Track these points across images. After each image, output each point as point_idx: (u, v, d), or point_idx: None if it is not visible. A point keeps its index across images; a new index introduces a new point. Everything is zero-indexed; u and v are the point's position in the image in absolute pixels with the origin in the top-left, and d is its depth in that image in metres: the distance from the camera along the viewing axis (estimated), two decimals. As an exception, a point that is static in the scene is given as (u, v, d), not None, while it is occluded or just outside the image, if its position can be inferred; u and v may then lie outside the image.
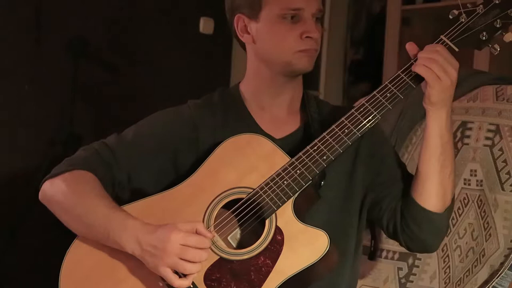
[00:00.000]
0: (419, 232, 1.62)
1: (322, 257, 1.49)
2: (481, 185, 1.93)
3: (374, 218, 1.71)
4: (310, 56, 1.65)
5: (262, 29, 1.65)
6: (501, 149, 1.92)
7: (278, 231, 1.52)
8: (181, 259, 1.44)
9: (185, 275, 1.46)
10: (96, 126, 3.33)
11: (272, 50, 1.65)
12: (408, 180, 1.66)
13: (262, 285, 1.49)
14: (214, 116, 1.71)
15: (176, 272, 1.46)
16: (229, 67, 3.92)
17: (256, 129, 1.68)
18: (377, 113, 1.54)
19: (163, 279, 1.48)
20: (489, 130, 1.96)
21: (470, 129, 2.00)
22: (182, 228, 1.45)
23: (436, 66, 1.50)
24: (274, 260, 1.50)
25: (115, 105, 3.42)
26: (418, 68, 1.52)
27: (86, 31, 3.30)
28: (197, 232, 1.46)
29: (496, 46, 1.55)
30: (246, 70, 1.75)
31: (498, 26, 1.53)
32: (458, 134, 2.01)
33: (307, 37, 1.62)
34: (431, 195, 1.59)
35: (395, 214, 1.64)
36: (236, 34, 1.71)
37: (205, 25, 3.78)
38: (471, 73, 2.18)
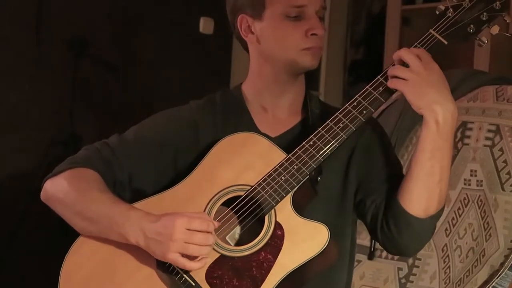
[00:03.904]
0: (396, 233, 1.58)
1: (323, 250, 1.49)
2: (481, 185, 1.93)
3: (359, 213, 1.69)
4: (315, 54, 1.65)
5: (266, 28, 1.65)
6: (501, 149, 1.92)
7: (278, 226, 1.52)
8: (188, 243, 1.44)
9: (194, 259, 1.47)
10: (96, 126, 3.33)
11: (277, 49, 1.65)
12: (399, 180, 1.61)
13: (264, 280, 1.49)
14: (215, 116, 1.72)
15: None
16: (229, 67, 3.93)
17: (253, 129, 1.68)
18: (371, 107, 1.55)
19: (166, 268, 1.50)
20: (489, 130, 1.96)
21: (470, 129, 2.00)
22: (185, 213, 1.46)
23: (396, 71, 1.52)
24: (275, 255, 1.50)
25: (115, 105, 3.43)
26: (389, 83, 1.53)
27: (86, 31, 3.31)
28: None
29: (483, 39, 1.57)
30: (249, 71, 1.75)
31: (484, 19, 1.55)
32: (458, 134, 2.01)
33: (312, 34, 1.63)
34: (412, 198, 1.54)
35: (378, 211, 1.62)
36: (239, 35, 1.70)
37: (205, 25, 3.79)
38: (471, 73, 2.18)
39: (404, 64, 1.52)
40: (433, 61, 1.52)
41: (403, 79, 1.51)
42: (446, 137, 1.52)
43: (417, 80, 1.49)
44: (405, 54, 1.52)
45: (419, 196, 1.54)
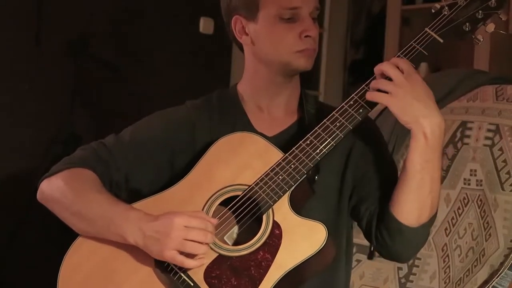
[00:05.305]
0: (390, 241, 1.59)
1: (321, 248, 1.49)
2: (481, 185, 1.93)
3: (355, 218, 1.70)
4: (309, 56, 1.64)
5: (260, 30, 1.65)
6: (501, 149, 1.92)
7: (276, 225, 1.52)
8: (186, 239, 1.44)
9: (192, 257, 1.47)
10: (96, 126, 3.33)
11: (271, 51, 1.65)
12: (393, 186, 1.60)
13: (262, 280, 1.49)
14: (212, 117, 1.72)
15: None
16: (229, 67, 3.93)
17: (249, 129, 1.68)
18: (367, 106, 1.55)
19: (164, 268, 1.50)
20: (489, 130, 1.96)
21: (470, 129, 2.00)
22: (184, 212, 1.47)
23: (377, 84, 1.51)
24: (274, 254, 1.50)
25: (115, 105, 3.43)
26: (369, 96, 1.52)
27: (86, 31, 3.31)
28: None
29: (479, 36, 1.57)
30: (244, 71, 1.75)
31: (480, 17, 1.55)
32: (458, 134, 2.01)
33: (306, 36, 1.62)
34: (404, 208, 1.55)
35: (372, 219, 1.63)
36: (233, 36, 1.70)
37: (205, 25, 3.79)
38: (470, 73, 2.18)
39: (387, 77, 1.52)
40: (416, 72, 1.52)
41: (386, 92, 1.50)
42: (435, 149, 1.52)
43: (400, 93, 1.49)
44: (386, 67, 1.52)
45: (411, 207, 1.55)
